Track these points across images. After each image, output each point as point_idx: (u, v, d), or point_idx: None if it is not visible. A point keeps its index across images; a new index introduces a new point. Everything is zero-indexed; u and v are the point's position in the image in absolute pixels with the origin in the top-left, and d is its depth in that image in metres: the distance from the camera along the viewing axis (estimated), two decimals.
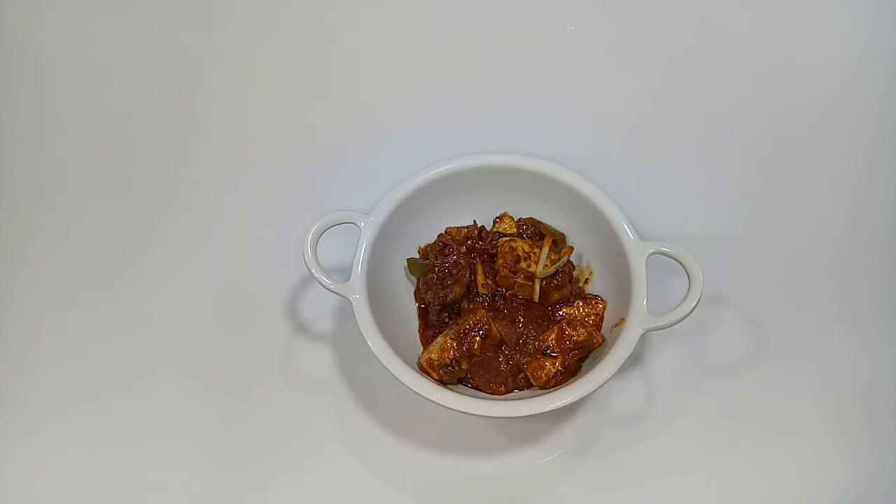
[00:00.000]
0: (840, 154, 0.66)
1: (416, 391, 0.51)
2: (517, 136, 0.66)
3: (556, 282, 0.56)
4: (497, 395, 0.55)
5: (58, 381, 0.59)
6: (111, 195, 0.66)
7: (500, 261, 0.56)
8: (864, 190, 0.64)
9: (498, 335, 0.55)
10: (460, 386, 0.56)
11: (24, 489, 0.56)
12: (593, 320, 0.57)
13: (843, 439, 0.56)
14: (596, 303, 0.57)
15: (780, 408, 0.57)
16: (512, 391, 0.55)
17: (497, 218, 0.61)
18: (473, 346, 0.54)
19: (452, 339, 0.54)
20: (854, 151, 0.66)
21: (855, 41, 0.70)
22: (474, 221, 0.60)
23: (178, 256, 0.63)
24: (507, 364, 0.55)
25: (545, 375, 0.54)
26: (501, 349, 0.56)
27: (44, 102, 0.70)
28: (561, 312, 0.57)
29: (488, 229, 0.60)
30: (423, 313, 0.59)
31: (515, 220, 0.60)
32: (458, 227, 0.60)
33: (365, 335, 0.52)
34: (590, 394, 0.51)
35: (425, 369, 0.54)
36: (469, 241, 0.59)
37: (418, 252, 0.60)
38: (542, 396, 0.52)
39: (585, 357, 0.55)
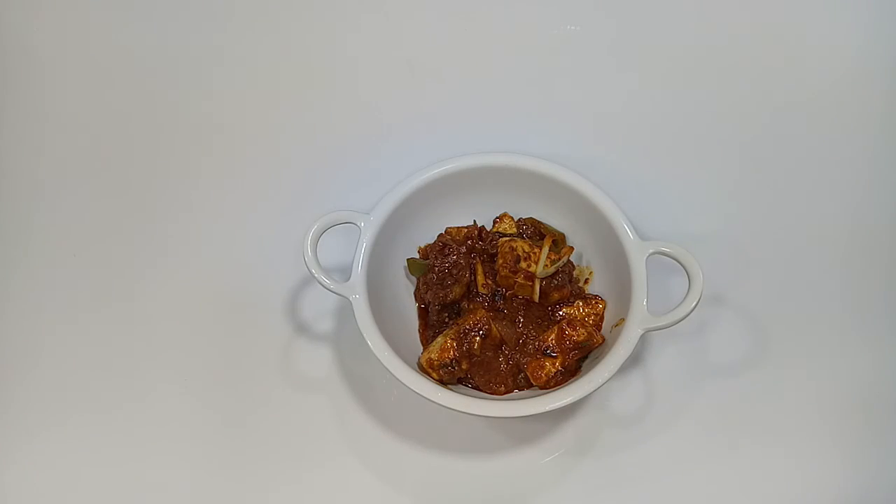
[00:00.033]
0: (840, 154, 0.66)
1: (416, 391, 0.51)
2: (517, 136, 0.66)
3: (556, 282, 0.56)
4: (497, 395, 0.55)
5: (58, 381, 0.59)
6: (111, 195, 0.66)
7: (500, 261, 0.56)
8: (864, 190, 0.64)
9: (498, 335, 0.55)
10: (460, 386, 0.56)
11: (24, 489, 0.56)
12: (593, 320, 0.57)
13: (843, 439, 0.56)
14: (596, 303, 0.57)
15: (780, 408, 0.57)
16: (512, 391, 0.55)
17: (497, 218, 0.61)
18: (473, 346, 0.54)
19: (452, 339, 0.54)
20: (854, 151, 0.66)
21: (855, 41, 0.70)
22: (474, 221, 0.60)
23: (178, 256, 0.63)
24: (507, 364, 0.55)
25: (545, 375, 0.54)
26: (501, 349, 0.56)
27: (44, 102, 0.70)
28: (561, 312, 0.57)
29: (488, 229, 0.60)
30: (423, 313, 0.59)
31: (515, 220, 0.60)
32: (458, 227, 0.60)
33: (365, 335, 0.52)
34: (590, 394, 0.51)
35: (425, 369, 0.54)
36: (469, 241, 0.59)
37: (418, 252, 0.60)
38: (542, 396, 0.52)
39: (585, 357, 0.55)
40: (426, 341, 0.58)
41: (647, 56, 0.70)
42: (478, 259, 0.58)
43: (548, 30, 0.71)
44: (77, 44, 0.71)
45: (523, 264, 0.55)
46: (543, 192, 0.59)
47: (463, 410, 0.51)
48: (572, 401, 0.51)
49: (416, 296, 0.59)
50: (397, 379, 0.51)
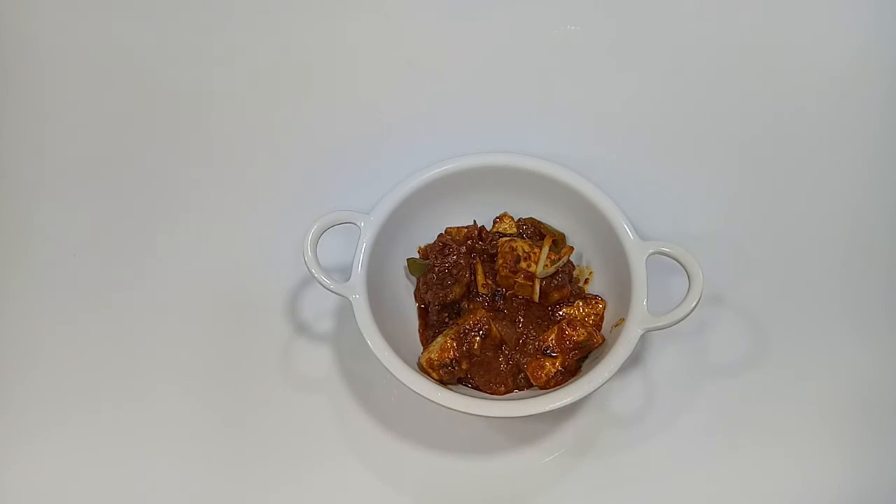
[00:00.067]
0: (840, 154, 0.66)
1: (416, 391, 0.51)
2: (517, 136, 0.66)
3: (556, 282, 0.56)
4: (497, 395, 0.55)
5: (58, 381, 0.59)
6: (111, 195, 0.66)
7: (500, 261, 0.56)
8: (864, 190, 0.64)
9: (498, 335, 0.55)
10: (460, 386, 0.56)
11: (24, 489, 0.56)
12: (593, 320, 0.57)
13: (843, 439, 0.56)
14: (596, 303, 0.57)
15: (780, 408, 0.57)
16: (512, 391, 0.55)
17: (497, 218, 0.61)
18: (473, 346, 0.54)
19: (452, 339, 0.54)
20: (854, 151, 0.66)
21: (855, 41, 0.70)
22: (474, 221, 0.60)
23: (178, 256, 0.63)
24: (507, 364, 0.55)
25: (545, 375, 0.54)
26: (501, 349, 0.56)
27: (44, 102, 0.70)
28: (561, 312, 0.57)
29: (488, 229, 0.60)
30: (423, 313, 0.59)
31: (515, 220, 0.60)
32: (458, 227, 0.60)
33: (365, 335, 0.52)
34: (590, 394, 0.51)
35: (425, 369, 0.54)
36: (469, 241, 0.59)
37: (418, 252, 0.60)
38: (542, 396, 0.52)
39: (585, 357, 0.55)
40: (426, 341, 0.58)
41: (647, 56, 0.70)
42: (478, 259, 0.58)
43: (548, 30, 0.71)
44: (77, 44, 0.71)
45: (523, 264, 0.55)
46: (543, 192, 0.59)
47: (463, 410, 0.51)
48: (572, 401, 0.51)
49: (416, 296, 0.59)
50: (397, 379, 0.51)
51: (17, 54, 0.71)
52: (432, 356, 0.54)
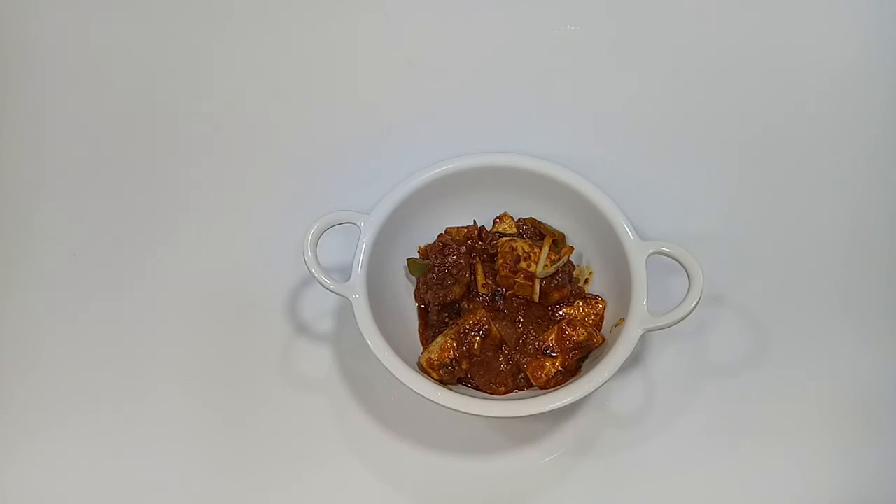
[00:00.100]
0: (840, 154, 0.66)
1: (416, 391, 0.51)
2: (517, 136, 0.66)
3: (556, 282, 0.56)
4: (497, 395, 0.55)
5: (58, 381, 0.59)
6: (111, 195, 0.66)
7: (500, 261, 0.56)
8: (864, 190, 0.64)
9: (498, 335, 0.55)
10: (460, 386, 0.56)
11: (24, 489, 0.56)
12: (593, 320, 0.57)
13: (843, 439, 0.56)
14: (596, 303, 0.57)
15: (780, 408, 0.57)
16: (512, 391, 0.55)
17: (497, 218, 0.61)
18: (473, 346, 0.54)
19: (452, 339, 0.54)
20: (854, 151, 0.66)
21: (855, 41, 0.70)
22: (474, 221, 0.60)
23: (178, 256, 0.63)
24: (507, 364, 0.55)
25: (545, 375, 0.54)
26: (501, 349, 0.56)
27: (44, 102, 0.70)
28: (561, 312, 0.57)
29: (488, 229, 0.60)
30: (423, 313, 0.59)
31: (515, 220, 0.60)
32: (458, 227, 0.60)
33: (365, 335, 0.52)
34: (590, 394, 0.51)
35: (425, 369, 0.54)
36: (469, 241, 0.59)
37: (418, 252, 0.60)
38: (542, 396, 0.52)
39: (585, 357, 0.55)
40: (426, 341, 0.58)
41: (647, 56, 0.70)
42: (478, 259, 0.58)
43: (548, 30, 0.71)
44: (77, 44, 0.71)
45: (523, 264, 0.55)
46: (543, 192, 0.59)
47: (463, 410, 0.51)
48: (572, 401, 0.51)
49: (416, 296, 0.59)
50: (397, 379, 0.51)
51: (17, 54, 0.71)
52: (432, 356, 0.54)
